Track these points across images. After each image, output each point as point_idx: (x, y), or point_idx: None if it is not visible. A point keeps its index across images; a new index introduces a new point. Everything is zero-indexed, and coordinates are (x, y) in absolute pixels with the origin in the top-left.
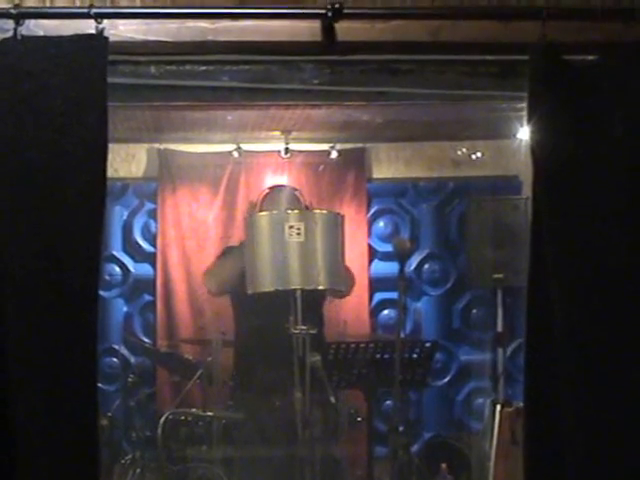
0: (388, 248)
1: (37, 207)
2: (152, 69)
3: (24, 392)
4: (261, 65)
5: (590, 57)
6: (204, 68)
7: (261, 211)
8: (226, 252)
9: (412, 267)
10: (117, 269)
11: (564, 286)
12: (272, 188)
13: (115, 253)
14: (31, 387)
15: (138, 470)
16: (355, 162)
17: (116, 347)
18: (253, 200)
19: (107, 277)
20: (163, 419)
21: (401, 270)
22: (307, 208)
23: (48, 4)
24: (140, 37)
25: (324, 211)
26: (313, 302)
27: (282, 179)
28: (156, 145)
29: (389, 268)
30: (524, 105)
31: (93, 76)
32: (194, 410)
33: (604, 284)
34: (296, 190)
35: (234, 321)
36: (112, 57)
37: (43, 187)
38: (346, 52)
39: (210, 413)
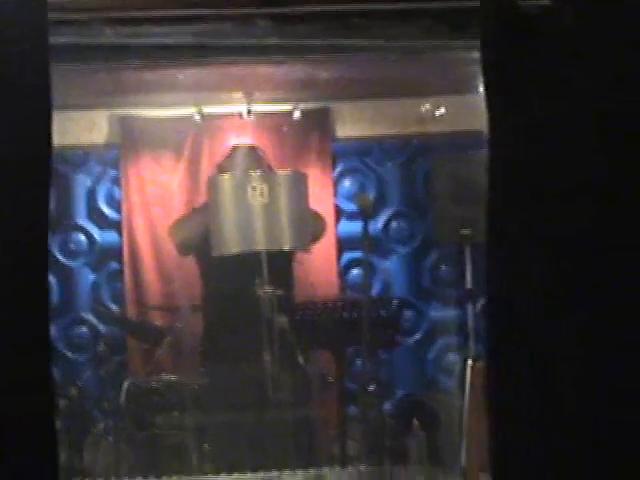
0: (355, 208)
1: None
2: (99, 28)
3: None
4: (212, 21)
5: (544, 1)
6: (154, 26)
7: (225, 171)
8: (194, 210)
9: (379, 226)
10: (82, 238)
11: (522, 239)
12: (234, 148)
13: (80, 222)
14: None
15: (110, 439)
16: (319, 122)
17: (85, 316)
18: (218, 162)
19: (72, 246)
20: (125, 386)
21: (365, 227)
22: (270, 167)
23: None
24: None
25: (287, 171)
26: (280, 263)
27: (245, 141)
28: (117, 111)
29: (356, 228)
30: None
31: (33, 37)
32: (158, 377)
33: (561, 235)
34: (258, 148)
35: (201, 285)
36: (55, 16)
37: None
38: (297, 3)
39: (174, 378)
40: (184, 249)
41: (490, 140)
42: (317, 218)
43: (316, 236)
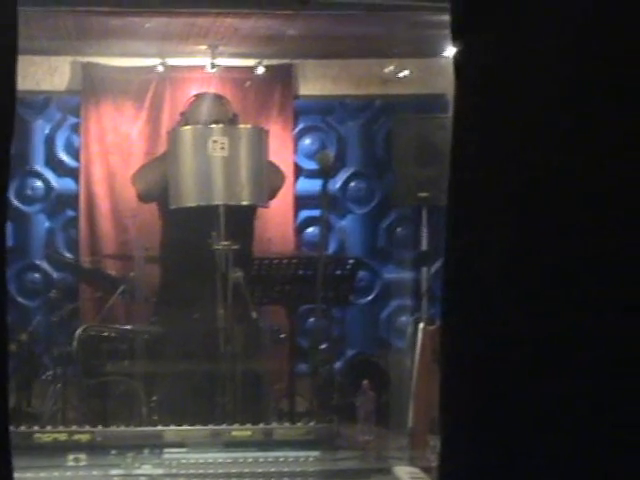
0: (314, 166)
1: None
2: None
3: None
4: None
5: None
6: None
7: (188, 120)
8: (158, 158)
9: (338, 185)
10: (39, 184)
11: (488, 203)
12: (198, 96)
13: (37, 168)
14: None
15: (59, 386)
16: (282, 78)
17: (38, 263)
18: (182, 110)
19: (29, 192)
20: (78, 332)
21: (324, 185)
22: (234, 116)
23: None
24: None
25: (248, 126)
26: (238, 218)
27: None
28: (79, 58)
29: (315, 186)
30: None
31: None
32: (112, 325)
33: (530, 198)
34: (222, 98)
35: (161, 234)
36: None
37: None
38: None
39: (127, 327)
40: (145, 197)
41: (455, 101)
42: (275, 171)
43: (274, 189)
